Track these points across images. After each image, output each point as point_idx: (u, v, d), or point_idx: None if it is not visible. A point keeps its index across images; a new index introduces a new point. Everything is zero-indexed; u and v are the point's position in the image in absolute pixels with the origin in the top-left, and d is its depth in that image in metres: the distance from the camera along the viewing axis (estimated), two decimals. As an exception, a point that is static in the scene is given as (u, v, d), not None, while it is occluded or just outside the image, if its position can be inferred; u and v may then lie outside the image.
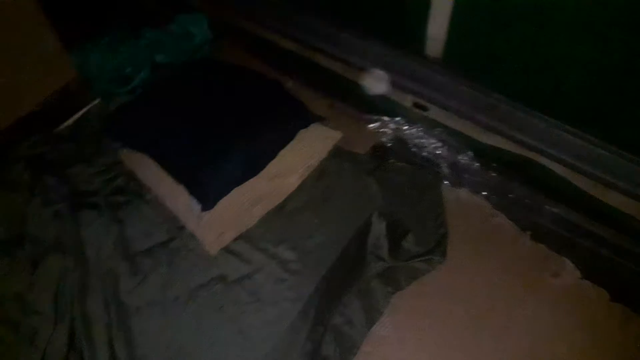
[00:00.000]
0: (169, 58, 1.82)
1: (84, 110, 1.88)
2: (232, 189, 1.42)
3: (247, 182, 1.45)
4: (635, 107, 1.43)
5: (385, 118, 1.96)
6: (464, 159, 1.88)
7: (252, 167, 1.46)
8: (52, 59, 1.84)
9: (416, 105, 1.89)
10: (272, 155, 1.50)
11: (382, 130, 1.95)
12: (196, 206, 1.40)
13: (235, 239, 1.46)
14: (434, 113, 1.86)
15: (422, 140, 1.91)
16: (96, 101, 1.88)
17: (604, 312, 1.55)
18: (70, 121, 1.89)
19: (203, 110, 1.59)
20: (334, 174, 1.61)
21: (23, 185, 1.64)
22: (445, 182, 1.85)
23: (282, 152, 1.53)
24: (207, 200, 1.39)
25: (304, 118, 1.63)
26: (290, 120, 1.59)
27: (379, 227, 1.58)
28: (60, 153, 1.74)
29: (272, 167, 1.50)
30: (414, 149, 1.91)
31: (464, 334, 1.52)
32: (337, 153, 1.68)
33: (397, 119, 1.94)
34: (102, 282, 1.41)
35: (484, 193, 1.84)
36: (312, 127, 1.63)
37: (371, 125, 1.96)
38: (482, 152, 1.86)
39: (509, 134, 1.74)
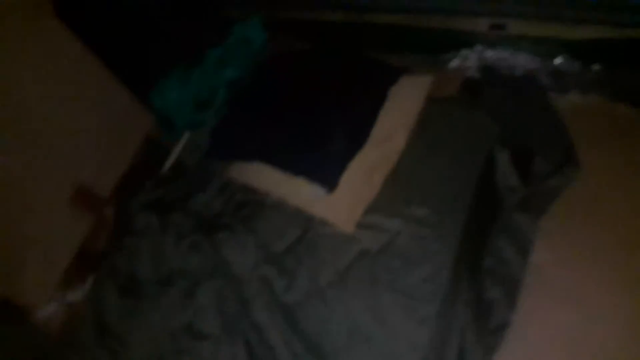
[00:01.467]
0: (238, 70, 1.86)
1: (180, 146, 1.97)
2: (347, 164, 1.42)
3: (359, 154, 1.44)
4: None
5: (464, 51, 1.87)
6: (561, 63, 1.75)
7: (358, 137, 1.45)
8: (129, 111, 1.95)
9: (493, 26, 1.79)
10: (372, 121, 1.48)
11: (466, 65, 1.87)
12: (320, 191, 1.41)
13: (365, 213, 1.45)
14: (514, 27, 1.76)
15: (511, 60, 1.81)
16: (187, 134, 1.96)
17: None
18: (170, 161, 1.99)
19: (293, 101, 1.61)
20: (437, 120, 1.56)
21: (154, 229, 1.74)
22: (551, 93, 1.74)
23: (381, 115, 1.50)
24: (329, 182, 1.39)
25: (390, 74, 1.59)
26: (378, 81, 1.56)
27: (502, 159, 1.51)
28: (175, 191, 1.83)
29: (377, 132, 1.48)
30: (506, 72, 1.81)
31: (617, 246, 1.42)
32: (434, 100, 1.63)
33: (477, 47, 1.85)
34: (257, 291, 1.46)
35: (594, 90, 1.70)
36: (401, 81, 1.59)
37: (452, 63, 1.89)
38: (577, 50, 1.73)
39: (601, 18, 1.61)
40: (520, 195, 1.54)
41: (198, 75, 1.83)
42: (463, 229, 1.37)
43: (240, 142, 1.62)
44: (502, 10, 1.73)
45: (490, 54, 1.83)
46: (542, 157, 1.54)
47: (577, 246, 1.46)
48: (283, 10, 2.17)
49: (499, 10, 1.74)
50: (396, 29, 1.96)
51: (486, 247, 1.49)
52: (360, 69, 1.63)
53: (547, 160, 1.55)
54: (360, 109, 1.49)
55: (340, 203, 1.41)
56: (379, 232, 1.42)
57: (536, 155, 1.55)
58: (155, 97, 1.89)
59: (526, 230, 1.51)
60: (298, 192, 1.48)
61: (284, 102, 1.62)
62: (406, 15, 1.91)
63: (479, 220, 1.46)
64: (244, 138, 1.62)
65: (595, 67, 1.72)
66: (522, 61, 1.79)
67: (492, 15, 1.75)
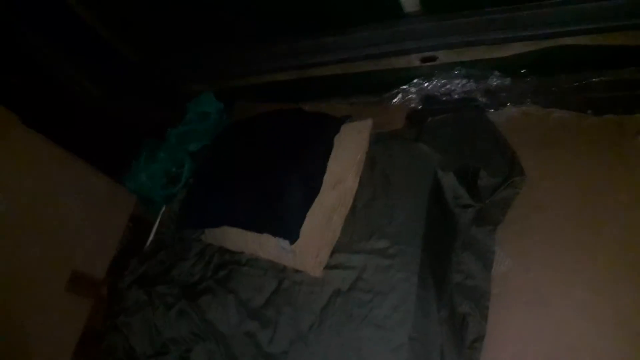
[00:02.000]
0: (200, 142, 2.00)
1: (157, 221, 2.07)
2: (305, 214, 1.52)
3: (315, 202, 1.54)
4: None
5: (404, 87, 2.01)
6: (494, 81, 1.88)
7: (311, 187, 1.56)
8: (110, 195, 2.07)
9: (424, 60, 1.93)
10: (322, 170, 1.59)
11: (407, 98, 2.00)
12: (285, 243, 1.51)
13: (332, 254, 1.54)
14: (445, 57, 1.90)
15: (447, 87, 1.94)
16: (163, 209, 2.08)
17: None
18: (151, 237, 2.10)
19: (248, 163, 1.73)
20: (383, 156, 1.68)
21: (143, 304, 1.82)
22: (490, 110, 1.86)
23: (330, 163, 1.62)
24: (291, 234, 1.49)
25: (333, 125, 1.72)
26: (323, 134, 1.68)
27: (448, 180, 1.61)
28: (158, 264, 1.92)
29: (329, 178, 1.59)
30: (444, 98, 1.94)
31: (571, 247, 1.51)
32: (378, 138, 1.75)
33: (414, 81, 1.99)
34: (244, 347, 1.52)
35: (528, 100, 1.83)
36: (343, 129, 1.71)
37: (394, 100, 2.02)
38: (507, 66, 1.86)
39: (522, 35, 1.74)
40: (475, 211, 1.64)
41: (163, 154, 1.97)
42: (423, 253, 1.45)
43: (206, 210, 1.73)
44: (429, 44, 1.88)
45: (428, 85, 1.96)
46: (487, 171, 1.65)
47: (534, 251, 1.54)
48: (238, 79, 2.34)
49: (426, 45, 1.88)
50: (340, 77, 2.10)
51: (451, 265, 1.58)
52: (306, 124, 1.76)
53: (493, 174, 1.65)
54: (310, 161, 1.61)
55: (306, 250, 1.50)
56: (346, 270, 1.50)
57: (482, 170, 1.65)
58: (128, 181, 2.02)
59: (486, 242, 1.60)
60: (266, 247, 1.57)
61: (242, 167, 1.74)
62: (346, 65, 2.06)
63: (438, 241, 1.55)
64: (209, 206, 1.73)
65: (526, 79, 1.85)
66: (458, 86, 1.92)
67: (421, 50, 1.89)
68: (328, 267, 1.53)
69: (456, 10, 1.75)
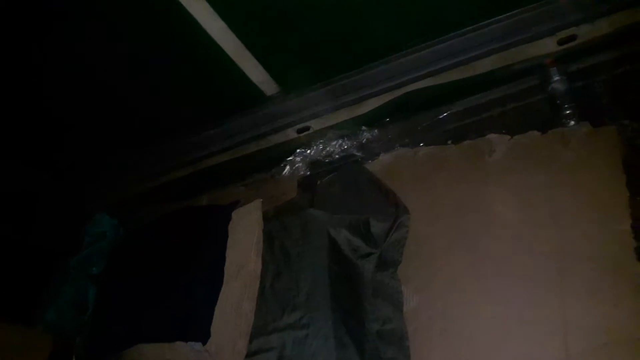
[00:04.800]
0: (101, 264, 2.00)
1: (74, 356, 2.00)
2: (213, 311, 1.54)
3: (220, 295, 1.58)
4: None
5: (289, 158, 2.13)
6: (364, 135, 2.05)
7: (214, 282, 1.59)
8: (25, 341, 1.98)
9: (299, 131, 2.08)
10: (222, 261, 1.64)
11: (294, 168, 2.12)
12: (198, 346, 1.51)
13: (250, 341, 1.56)
14: (317, 124, 2.05)
15: (327, 150, 2.09)
16: (77, 341, 2.02)
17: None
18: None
19: (148, 274, 1.74)
20: (279, 231, 1.76)
21: None
22: (368, 161, 2.01)
23: (228, 252, 1.67)
24: (202, 335, 1.50)
25: (223, 215, 1.79)
26: (214, 226, 1.75)
27: (342, 236, 1.71)
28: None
29: (230, 267, 1.64)
30: (327, 160, 2.08)
31: (462, 255, 1.63)
32: (273, 214, 1.84)
33: (297, 151, 2.12)
34: None
35: (398, 144, 2.00)
36: (234, 215, 1.79)
37: (284, 172, 2.14)
38: (370, 120, 2.04)
39: (374, 91, 1.94)
40: (375, 258, 1.73)
41: (67, 287, 1.94)
42: (335, 314, 1.51)
43: (113, 334, 1.71)
44: (299, 117, 2.03)
45: (310, 152, 2.10)
46: (377, 218, 1.76)
47: (435, 281, 1.63)
48: (136, 185, 2.37)
49: (297, 118, 2.04)
50: (230, 163, 2.20)
51: (367, 315, 1.64)
52: (196, 222, 1.82)
53: (382, 219, 1.77)
54: (207, 256, 1.66)
55: (222, 346, 1.51)
56: (268, 353, 1.52)
57: (371, 219, 1.76)
58: (39, 322, 1.96)
59: (392, 285, 1.67)
60: (183, 354, 1.57)
61: (142, 279, 1.75)
62: (233, 150, 2.17)
63: (348, 297, 1.61)
64: (114, 328, 1.71)
65: (390, 126, 2.03)
66: (335, 147, 2.07)
67: (294, 124, 2.04)
68: (249, 355, 1.54)
69: (311, 84, 1.93)
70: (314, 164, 2.10)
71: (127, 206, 2.32)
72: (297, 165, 2.11)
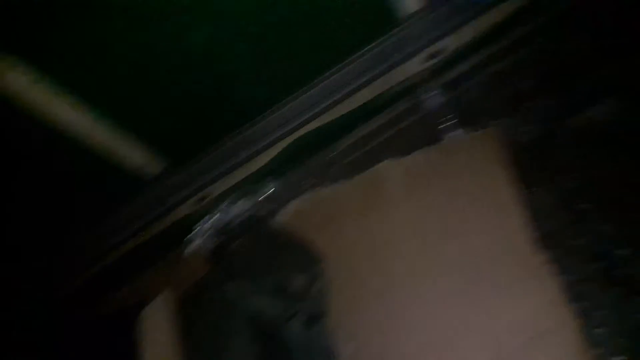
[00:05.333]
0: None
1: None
2: None
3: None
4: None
5: (195, 231, 2.02)
6: (263, 192, 1.99)
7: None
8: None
9: (199, 200, 1.98)
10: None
11: (203, 240, 2.00)
12: None
13: None
14: (215, 191, 1.97)
15: (230, 215, 1.99)
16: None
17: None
18: None
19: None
20: (196, 320, 1.64)
21: None
22: (274, 217, 1.94)
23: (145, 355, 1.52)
24: None
25: (132, 316, 1.65)
26: (124, 331, 1.60)
27: (262, 303, 1.62)
28: None
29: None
30: (232, 226, 1.98)
31: (382, 290, 1.60)
32: (183, 303, 1.72)
33: (201, 222, 2.01)
34: None
35: (304, 188, 1.94)
36: (142, 317, 1.65)
37: (191, 248, 2.01)
38: (267, 174, 1.98)
39: (263, 145, 1.89)
40: (301, 316, 1.65)
41: None
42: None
43: None
44: (196, 185, 1.94)
45: (213, 221, 2.00)
46: (294, 275, 1.69)
47: (366, 322, 1.57)
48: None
49: (196, 186, 1.95)
50: (135, 250, 2.05)
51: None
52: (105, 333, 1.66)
53: (299, 273, 1.70)
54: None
55: None
56: None
57: (289, 276, 1.69)
58: None
59: (322, 340, 1.60)
60: None
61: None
62: (135, 237, 2.02)
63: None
64: None
65: (286, 175, 1.99)
66: (238, 210, 1.99)
67: (190, 196, 1.94)
68: None
69: (198, 152, 1.86)
70: (219, 233, 1.99)
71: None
72: (205, 236, 2.00)
